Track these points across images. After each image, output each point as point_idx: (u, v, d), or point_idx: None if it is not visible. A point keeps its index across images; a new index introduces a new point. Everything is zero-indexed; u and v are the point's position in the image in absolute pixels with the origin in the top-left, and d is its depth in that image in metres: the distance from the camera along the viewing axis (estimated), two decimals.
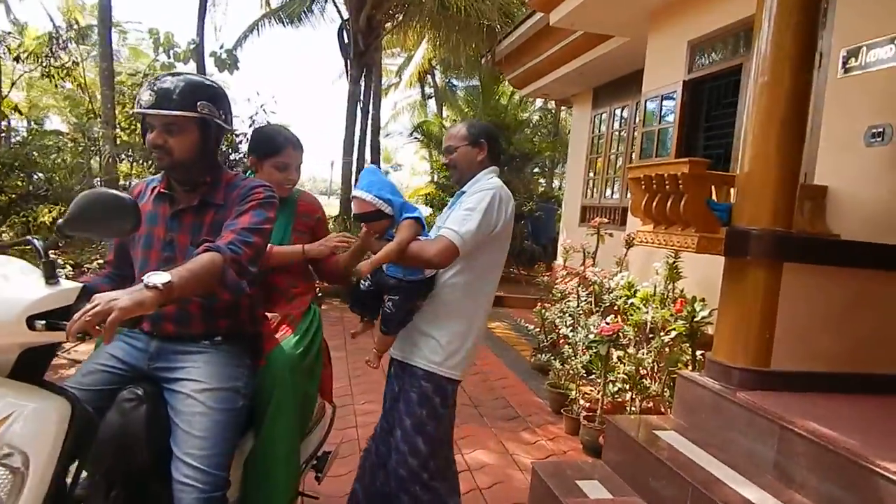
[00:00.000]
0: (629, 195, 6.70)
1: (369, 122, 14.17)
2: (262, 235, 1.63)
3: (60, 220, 1.23)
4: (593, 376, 3.85)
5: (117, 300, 1.18)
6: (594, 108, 8.53)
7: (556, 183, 19.42)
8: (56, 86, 11.67)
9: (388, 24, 12.94)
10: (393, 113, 24.51)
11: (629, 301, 4.02)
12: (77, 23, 10.18)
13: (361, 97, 13.05)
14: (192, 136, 1.65)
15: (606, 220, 5.67)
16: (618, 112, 7.94)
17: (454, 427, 2.23)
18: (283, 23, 14.32)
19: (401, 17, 12.88)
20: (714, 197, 2.86)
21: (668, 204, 2.73)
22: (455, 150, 2.19)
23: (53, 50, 10.23)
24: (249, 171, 2.21)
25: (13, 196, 7.87)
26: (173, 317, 1.68)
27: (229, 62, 10.77)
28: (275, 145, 2.12)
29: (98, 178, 9.45)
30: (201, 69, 10.69)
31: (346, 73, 12.53)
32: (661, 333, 3.60)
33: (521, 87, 10.07)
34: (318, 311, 2.16)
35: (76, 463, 1.36)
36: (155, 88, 1.60)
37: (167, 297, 1.28)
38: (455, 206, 2.12)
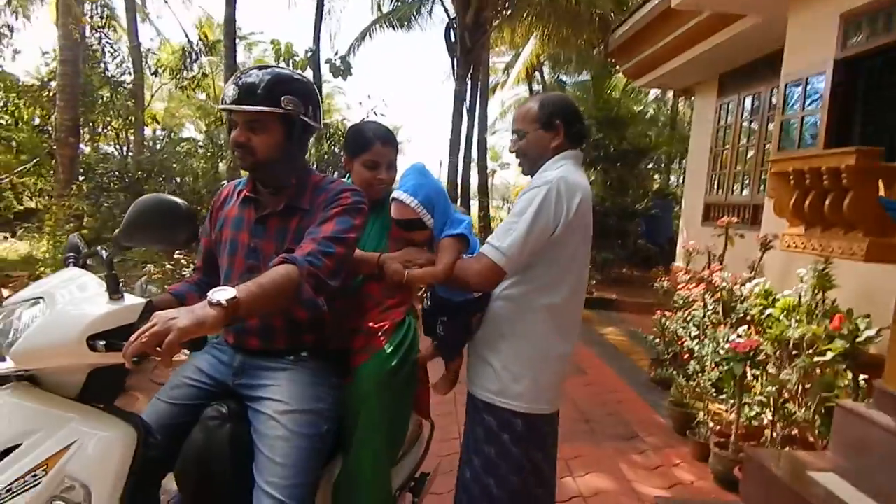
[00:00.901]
0: (763, 191, 6.06)
1: (476, 120, 14.04)
2: (346, 245, 1.47)
3: (117, 231, 1.14)
4: (724, 396, 3.40)
5: (176, 319, 1.06)
6: (720, 96, 7.77)
7: (672, 179, 18.24)
8: (188, 97, 12.63)
9: (496, 21, 12.71)
10: (500, 111, 24.27)
11: (766, 311, 3.51)
12: (206, 37, 10.88)
13: (468, 96, 12.95)
14: (276, 135, 1.52)
15: (736, 220, 5.09)
16: (748, 100, 7.16)
17: (553, 472, 1.83)
18: (393, 27, 14.58)
19: (509, 13, 12.61)
20: (882, 193, 2.37)
21: (827, 202, 2.28)
22: (524, 136, 1.79)
23: (186, 64, 11.06)
24: (348, 174, 2.08)
25: None
26: (257, 330, 1.57)
27: (343, 68, 11.11)
28: (362, 141, 1.94)
29: (224, 182, 10.09)
30: (317, 76, 11.08)
31: (453, 71, 12.49)
32: (808, 351, 3.09)
33: (637, 78, 9.44)
34: (414, 323, 1.97)
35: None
36: (239, 83, 1.49)
37: (232, 315, 1.15)
38: None
